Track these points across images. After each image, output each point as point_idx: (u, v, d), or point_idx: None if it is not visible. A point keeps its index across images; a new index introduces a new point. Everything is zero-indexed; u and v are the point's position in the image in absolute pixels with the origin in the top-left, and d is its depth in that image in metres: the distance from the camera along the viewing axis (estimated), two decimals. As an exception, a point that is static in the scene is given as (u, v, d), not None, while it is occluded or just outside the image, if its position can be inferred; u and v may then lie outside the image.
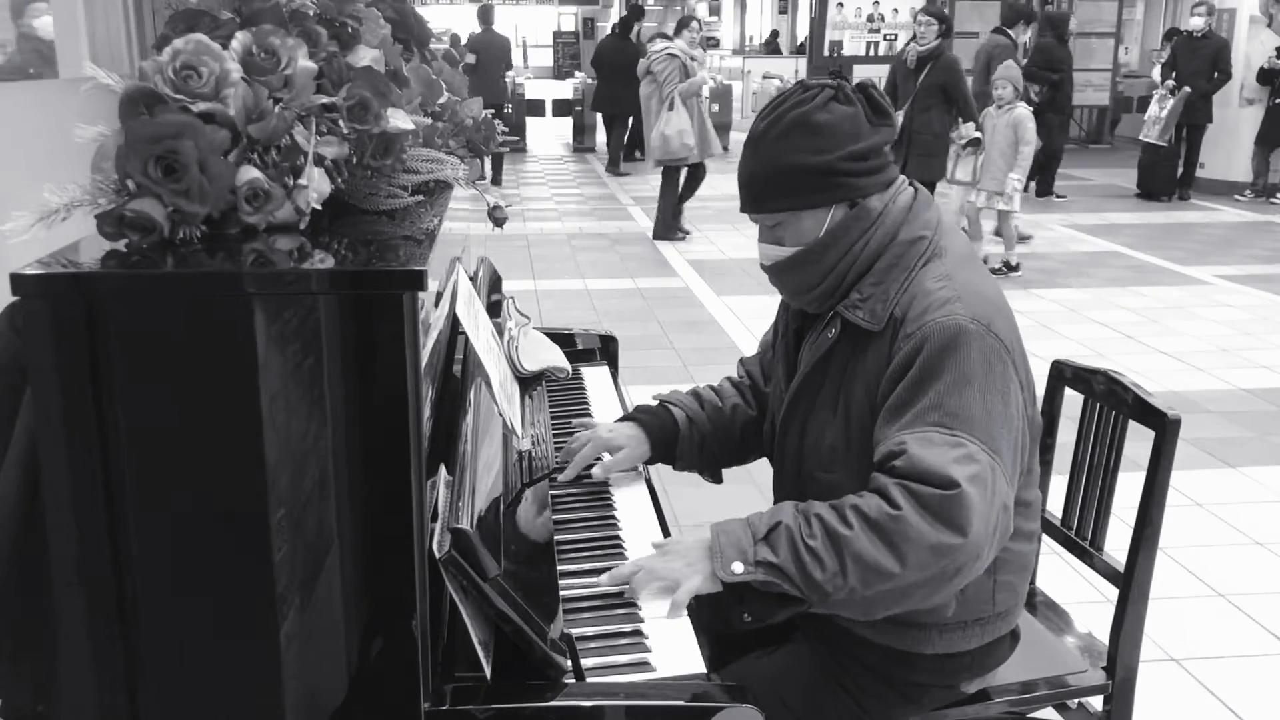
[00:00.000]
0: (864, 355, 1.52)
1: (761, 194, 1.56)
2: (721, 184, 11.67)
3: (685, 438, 1.81)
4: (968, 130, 6.91)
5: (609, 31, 13.31)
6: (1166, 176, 10.08)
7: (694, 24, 8.35)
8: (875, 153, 1.52)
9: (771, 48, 20.60)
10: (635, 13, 12.83)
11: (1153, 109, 9.91)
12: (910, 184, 1.58)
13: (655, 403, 1.86)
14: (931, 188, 7.07)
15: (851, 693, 1.63)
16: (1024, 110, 6.77)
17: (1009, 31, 8.92)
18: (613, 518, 1.68)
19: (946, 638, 1.59)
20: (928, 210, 1.56)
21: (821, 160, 1.49)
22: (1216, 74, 9.57)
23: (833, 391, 1.56)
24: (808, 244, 1.54)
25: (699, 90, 8.02)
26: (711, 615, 1.72)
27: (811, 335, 1.62)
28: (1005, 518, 1.42)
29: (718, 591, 1.44)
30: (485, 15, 11.72)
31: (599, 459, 1.78)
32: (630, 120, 12.47)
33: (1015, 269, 7.05)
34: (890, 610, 1.45)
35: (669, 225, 8.35)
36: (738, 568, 1.41)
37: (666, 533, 1.64)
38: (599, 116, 13.49)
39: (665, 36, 8.27)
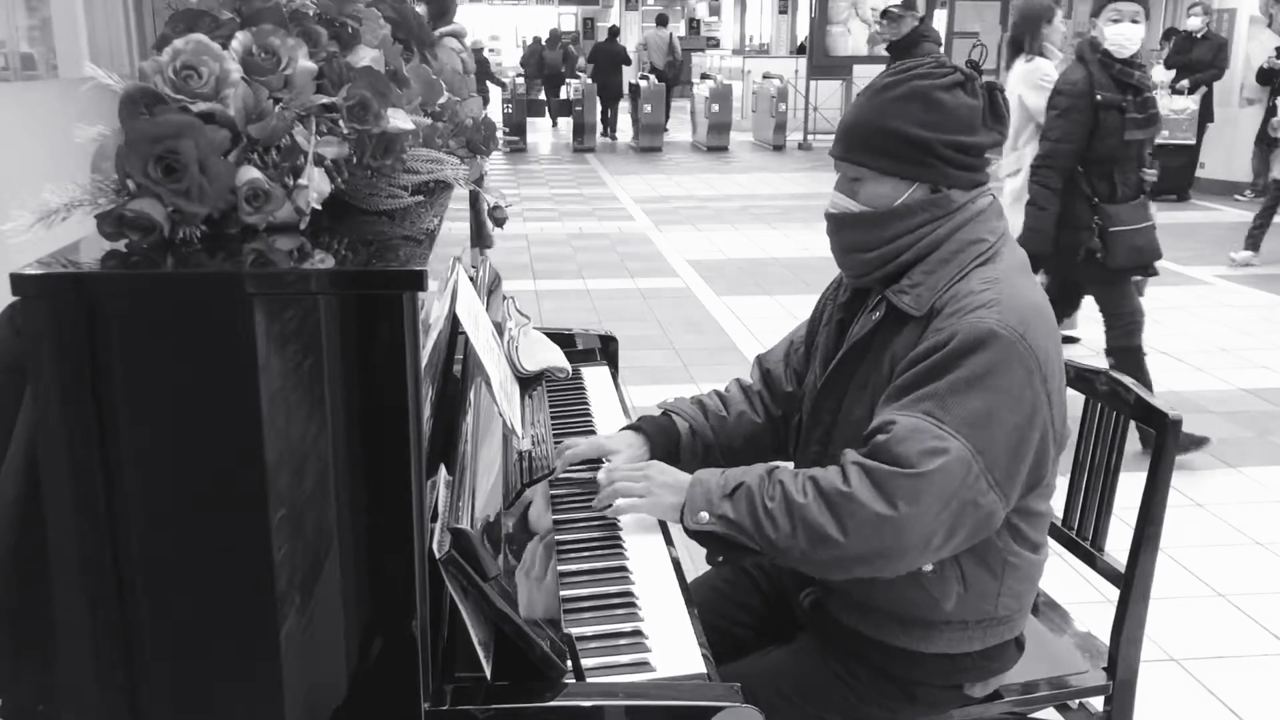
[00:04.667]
0: (898, 337, 1.55)
1: (856, 144, 1.57)
2: (720, 184, 11.67)
3: (687, 446, 1.82)
4: None
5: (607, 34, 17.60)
6: (1188, 174, 10.07)
7: None
8: (977, 151, 1.55)
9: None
10: (614, 31, 17.49)
11: (1163, 109, 9.86)
12: (990, 191, 1.60)
13: (659, 411, 1.87)
14: None
15: (854, 688, 1.64)
16: None
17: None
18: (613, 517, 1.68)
19: (948, 637, 1.60)
20: (997, 219, 1.59)
21: (925, 135, 1.51)
22: (1211, 69, 9.56)
23: (866, 370, 1.59)
24: (877, 208, 1.56)
25: None
26: (713, 615, 1.74)
27: (857, 320, 1.65)
28: (975, 514, 1.44)
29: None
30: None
31: (600, 463, 1.77)
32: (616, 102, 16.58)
33: None
34: (844, 575, 1.52)
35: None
36: (703, 517, 1.51)
37: (667, 533, 1.65)
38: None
39: None
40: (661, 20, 18.22)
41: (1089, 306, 4.27)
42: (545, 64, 17.93)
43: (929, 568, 1.53)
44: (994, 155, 1.60)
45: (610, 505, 1.62)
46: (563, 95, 17.49)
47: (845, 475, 1.45)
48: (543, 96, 18.06)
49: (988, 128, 1.54)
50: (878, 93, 1.55)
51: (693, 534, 1.54)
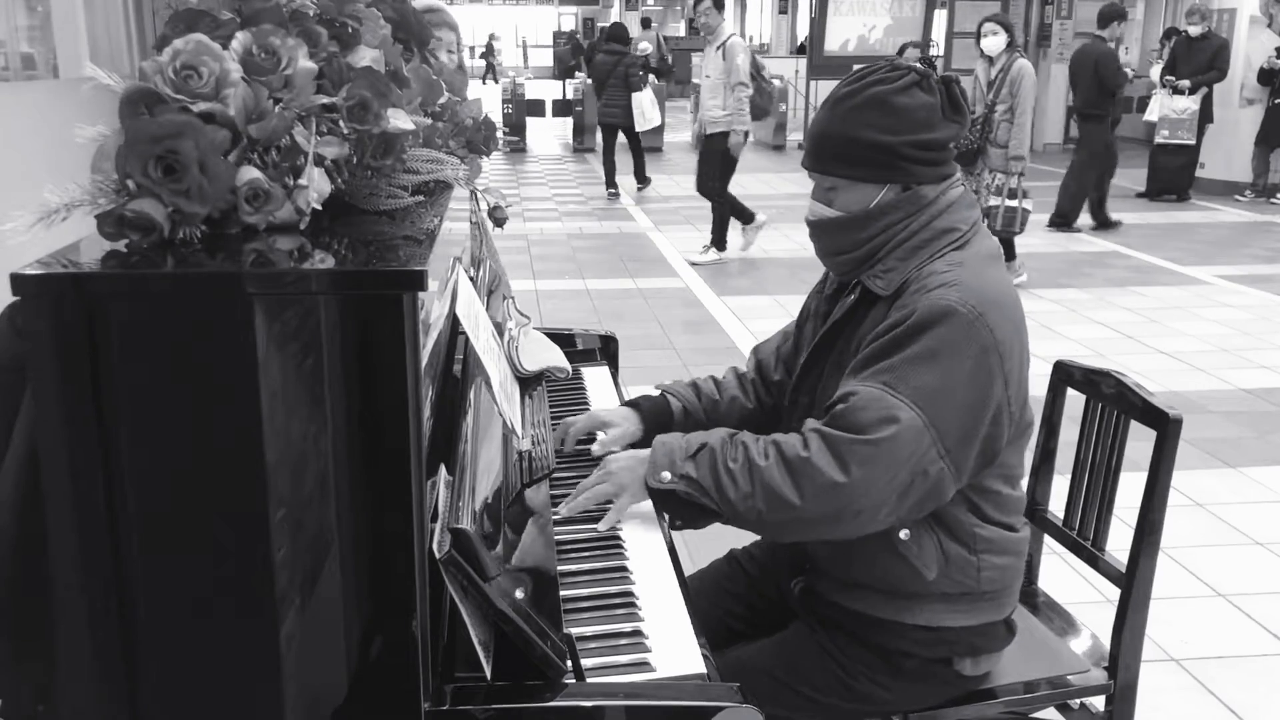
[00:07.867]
0: (868, 318, 1.61)
1: (824, 155, 1.64)
2: (721, 184, 11.62)
3: (679, 426, 1.87)
4: None
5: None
6: (1188, 174, 10.07)
7: None
8: (940, 145, 1.60)
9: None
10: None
11: (1164, 109, 9.84)
12: (960, 182, 1.65)
13: (657, 393, 1.94)
14: None
15: (842, 664, 1.68)
16: None
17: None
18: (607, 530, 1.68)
19: (930, 609, 1.64)
20: (968, 209, 1.64)
21: (888, 140, 1.56)
22: (1212, 71, 9.55)
23: (840, 351, 1.66)
24: (853, 212, 1.61)
25: None
26: (706, 603, 1.78)
27: (838, 307, 1.71)
28: (924, 482, 1.49)
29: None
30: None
31: (594, 436, 1.85)
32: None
33: None
34: (796, 537, 1.61)
35: None
36: (665, 476, 1.57)
37: (667, 533, 1.65)
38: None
39: None
40: (645, 23, 19.65)
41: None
42: (556, 57, 18.77)
43: (904, 535, 1.58)
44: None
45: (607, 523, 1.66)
46: (563, 95, 17.71)
47: (805, 442, 1.51)
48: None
49: (947, 120, 1.59)
50: (839, 102, 1.61)
51: (654, 495, 1.59)
